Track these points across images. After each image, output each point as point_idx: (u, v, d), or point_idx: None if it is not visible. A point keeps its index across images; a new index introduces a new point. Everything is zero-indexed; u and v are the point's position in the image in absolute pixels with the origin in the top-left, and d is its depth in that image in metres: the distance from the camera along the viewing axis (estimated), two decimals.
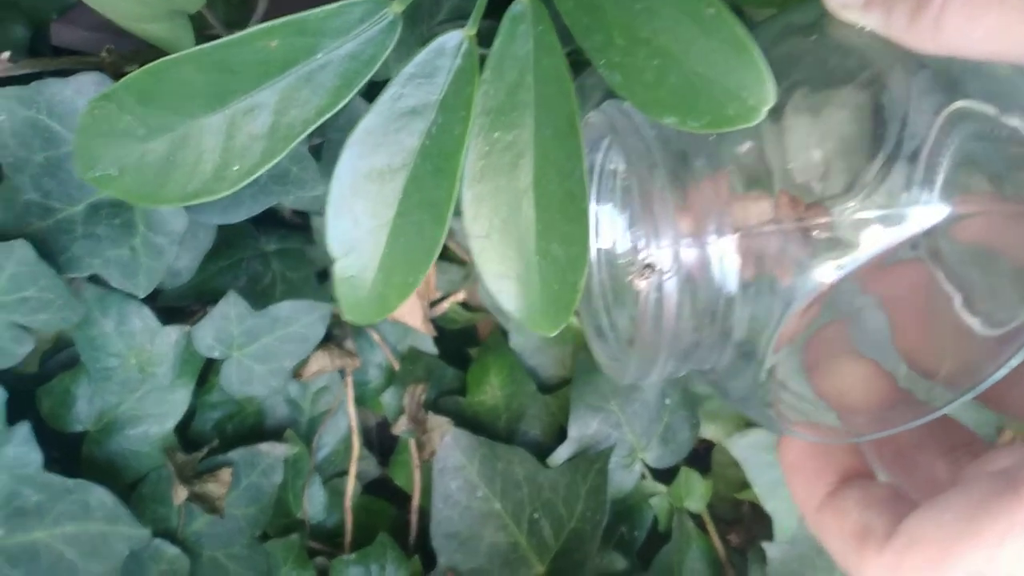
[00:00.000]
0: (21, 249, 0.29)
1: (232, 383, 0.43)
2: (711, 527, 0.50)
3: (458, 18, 0.38)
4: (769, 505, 0.46)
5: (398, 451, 0.53)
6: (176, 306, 0.45)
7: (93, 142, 0.22)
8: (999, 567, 0.15)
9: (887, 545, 0.17)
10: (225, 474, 0.44)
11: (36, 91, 0.29)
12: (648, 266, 0.18)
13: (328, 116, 0.22)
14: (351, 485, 0.51)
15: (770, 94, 0.17)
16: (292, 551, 0.47)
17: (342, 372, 0.52)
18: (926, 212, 0.18)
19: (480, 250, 0.22)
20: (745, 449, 0.47)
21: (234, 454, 0.45)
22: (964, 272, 0.20)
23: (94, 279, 0.36)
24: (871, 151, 0.19)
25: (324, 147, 0.37)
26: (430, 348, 0.53)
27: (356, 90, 0.22)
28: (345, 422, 0.52)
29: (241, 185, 0.22)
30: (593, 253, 0.24)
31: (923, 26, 0.15)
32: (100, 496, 0.37)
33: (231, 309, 0.40)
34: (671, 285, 0.18)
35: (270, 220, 0.50)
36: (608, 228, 0.24)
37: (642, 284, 0.19)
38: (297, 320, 0.42)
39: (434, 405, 0.52)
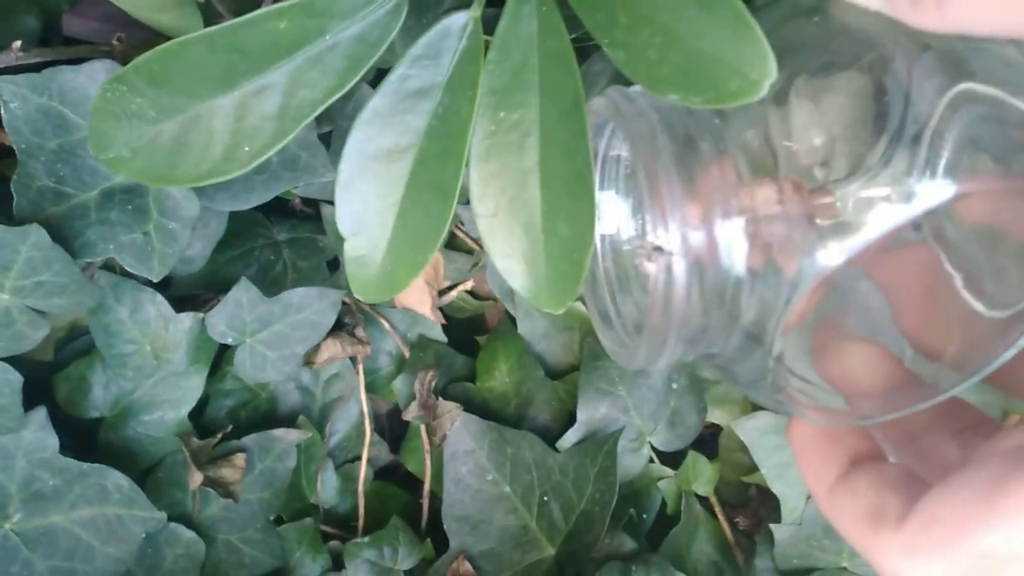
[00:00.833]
0: (36, 234, 0.29)
1: (245, 369, 0.43)
2: (719, 510, 0.50)
3: (464, 6, 0.39)
4: (776, 487, 0.46)
5: (409, 437, 0.54)
6: (189, 294, 0.46)
7: (106, 124, 0.22)
8: (1016, 544, 0.15)
9: (903, 525, 0.17)
10: (239, 459, 0.45)
11: (49, 79, 0.29)
12: (657, 249, 0.18)
13: (337, 97, 0.22)
14: (363, 470, 0.52)
15: (771, 68, 0.17)
16: (306, 535, 0.48)
17: (353, 360, 0.53)
18: (930, 191, 0.18)
19: (487, 229, 0.23)
20: (752, 432, 0.47)
21: (248, 440, 0.46)
22: (969, 253, 0.20)
23: (108, 267, 0.36)
24: (875, 133, 0.19)
25: (333, 135, 0.38)
26: (439, 336, 0.54)
27: (363, 71, 0.22)
28: (357, 409, 0.53)
29: (252, 166, 0.22)
30: (597, 240, 0.24)
31: (928, 3, 0.15)
32: (116, 480, 0.38)
33: (243, 296, 0.41)
34: (680, 268, 0.19)
35: (281, 210, 0.51)
36: (612, 215, 0.24)
37: (651, 267, 0.19)
38: (308, 307, 0.43)
39: (444, 392, 0.53)
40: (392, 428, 0.57)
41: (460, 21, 0.22)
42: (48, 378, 0.43)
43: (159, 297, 0.39)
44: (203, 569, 0.43)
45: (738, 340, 0.21)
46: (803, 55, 0.20)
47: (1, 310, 0.31)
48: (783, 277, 0.19)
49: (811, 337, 0.21)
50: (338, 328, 0.51)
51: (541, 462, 0.48)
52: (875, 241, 0.19)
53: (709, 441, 0.53)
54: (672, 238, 0.18)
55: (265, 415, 0.50)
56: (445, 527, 0.48)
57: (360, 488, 0.51)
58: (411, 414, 0.51)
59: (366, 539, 0.48)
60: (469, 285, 0.55)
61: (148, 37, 0.34)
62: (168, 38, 0.33)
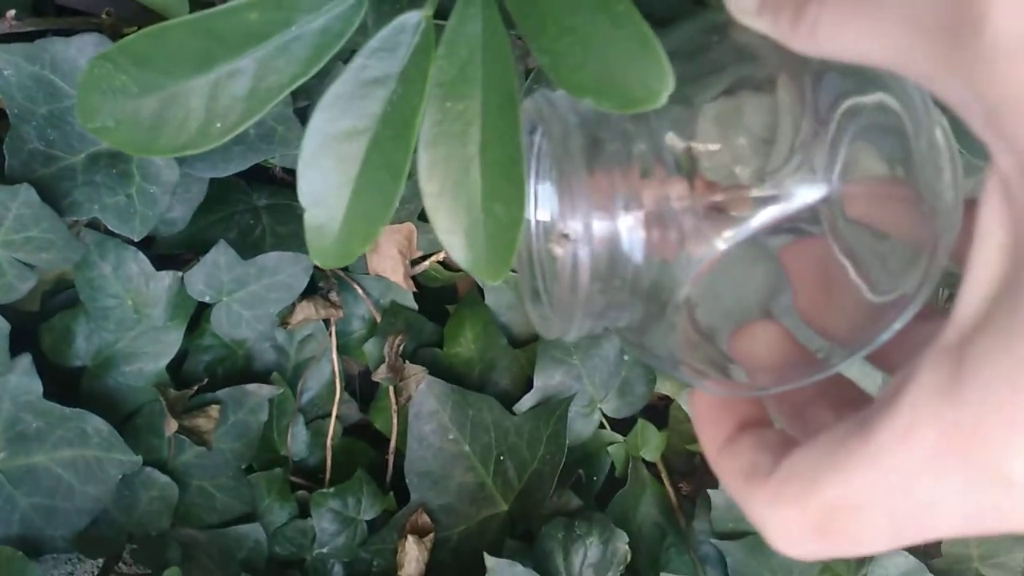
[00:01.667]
0: (25, 192, 0.31)
1: (222, 325, 0.46)
2: (665, 476, 0.53)
3: (419, 5, 0.41)
4: None
5: (378, 397, 0.56)
6: (171, 253, 0.48)
7: (93, 97, 0.25)
8: (854, 496, 0.18)
9: (768, 480, 0.20)
10: (214, 410, 0.48)
11: (41, 48, 0.32)
12: (564, 236, 0.21)
13: (301, 82, 0.24)
14: (332, 426, 0.55)
15: (669, 81, 0.20)
16: (275, 484, 0.51)
17: (327, 322, 0.55)
18: (812, 191, 0.21)
19: (433, 207, 0.25)
20: None
21: (222, 393, 0.49)
22: (858, 245, 0.22)
23: (93, 225, 0.39)
24: (776, 140, 0.22)
25: (309, 109, 0.40)
26: (410, 303, 0.56)
27: (325, 60, 0.24)
28: (329, 368, 0.56)
29: (223, 140, 0.25)
30: (533, 224, 0.27)
31: (802, 32, 0.18)
32: (96, 424, 0.41)
33: (221, 257, 0.43)
34: (584, 253, 0.21)
35: (262, 177, 0.53)
36: (546, 204, 0.27)
37: (559, 251, 0.22)
38: (282, 270, 0.45)
39: (413, 356, 0.56)
40: (363, 388, 0.59)
41: (414, 19, 0.24)
42: (34, 327, 0.46)
43: (141, 255, 0.42)
44: (176, 511, 0.46)
45: (640, 317, 0.23)
46: (709, 68, 0.23)
47: None
48: (677, 262, 0.22)
49: (718, 315, 0.24)
50: (313, 292, 0.54)
51: (499, 424, 0.51)
52: (759, 231, 0.22)
53: (661, 411, 0.56)
54: (577, 227, 0.21)
55: (241, 371, 0.53)
56: (407, 481, 0.51)
57: (329, 443, 0.54)
58: (380, 375, 0.54)
59: (331, 490, 0.51)
60: (441, 256, 0.58)
61: (135, 10, 0.36)
62: (153, 12, 0.35)
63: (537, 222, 0.27)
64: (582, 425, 0.51)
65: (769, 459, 0.21)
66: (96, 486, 0.42)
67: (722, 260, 0.22)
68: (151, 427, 0.46)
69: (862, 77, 0.21)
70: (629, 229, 0.22)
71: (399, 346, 0.54)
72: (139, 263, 0.42)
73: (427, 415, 0.51)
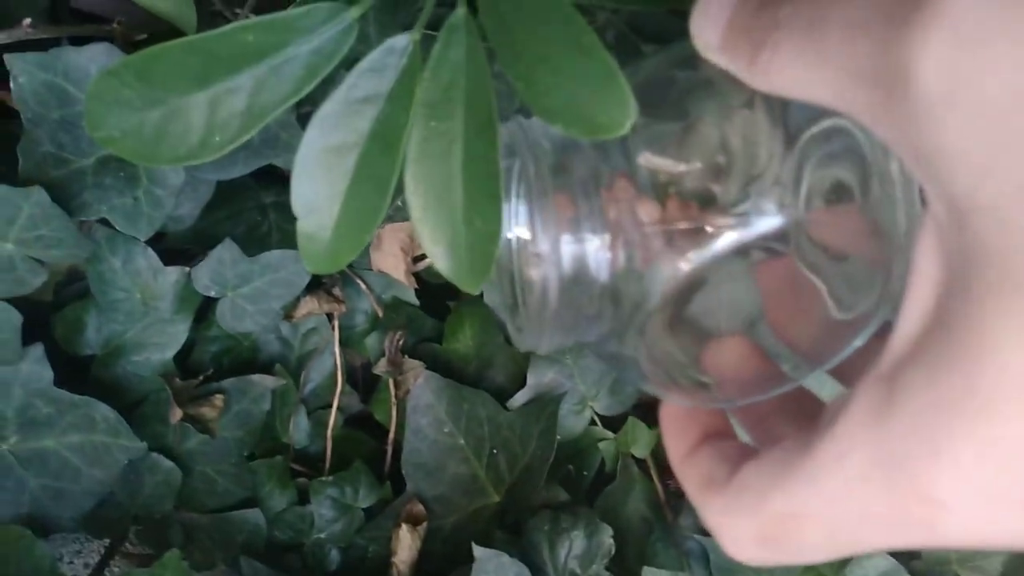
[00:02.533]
0: (37, 194, 0.33)
1: (226, 319, 0.48)
2: (654, 472, 0.55)
3: (440, 4, 0.42)
4: None
5: (379, 390, 0.58)
6: (179, 248, 0.50)
7: (100, 108, 0.26)
8: (799, 506, 0.19)
9: (724, 489, 0.21)
10: (218, 400, 0.49)
11: (54, 57, 0.33)
12: (536, 255, 0.23)
13: (295, 99, 0.26)
14: (333, 416, 0.56)
15: (632, 111, 0.21)
16: (276, 471, 0.53)
17: (330, 316, 0.57)
18: (775, 218, 0.22)
19: (419, 219, 0.27)
20: None
21: (227, 383, 0.50)
22: (821, 265, 0.24)
23: (103, 222, 0.41)
24: (737, 175, 0.23)
25: (312, 116, 0.41)
26: (412, 299, 0.58)
27: (319, 79, 0.26)
28: (331, 361, 0.57)
29: (223, 152, 0.26)
30: (513, 241, 0.28)
31: (758, 71, 0.19)
32: (104, 412, 0.42)
33: (226, 254, 0.45)
34: (552, 273, 0.23)
35: (270, 175, 0.54)
36: (523, 222, 0.28)
37: (531, 272, 0.23)
38: (285, 267, 0.47)
39: (413, 350, 0.57)
40: (364, 380, 0.61)
41: (403, 42, 0.26)
42: (47, 317, 0.48)
43: (150, 251, 0.44)
44: (179, 495, 0.48)
45: (609, 332, 0.25)
46: (688, 92, 0.24)
47: (5, 258, 0.35)
48: (642, 282, 0.23)
49: (687, 330, 0.25)
50: (317, 286, 0.56)
51: (493, 418, 0.52)
52: (727, 252, 0.23)
53: (652, 409, 0.58)
54: (546, 248, 0.22)
55: (246, 362, 0.55)
56: (403, 472, 0.53)
57: (329, 432, 0.56)
58: (380, 369, 0.56)
59: (330, 478, 0.53)
60: None
61: (146, 18, 0.38)
62: (166, 21, 0.37)
63: (516, 239, 0.28)
64: (573, 422, 0.53)
65: (726, 470, 0.22)
66: (102, 470, 0.44)
67: (690, 278, 0.23)
68: (157, 415, 0.48)
69: None
70: (595, 250, 0.23)
71: (399, 341, 0.56)
72: (147, 258, 0.44)
73: (424, 408, 0.53)
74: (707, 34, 0.20)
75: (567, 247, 0.23)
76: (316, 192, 0.27)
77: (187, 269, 0.45)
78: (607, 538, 0.47)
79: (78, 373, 0.48)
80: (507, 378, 0.56)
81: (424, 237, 0.27)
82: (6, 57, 0.33)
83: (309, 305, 0.55)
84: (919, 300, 0.17)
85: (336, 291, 0.57)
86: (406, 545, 0.50)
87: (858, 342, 0.23)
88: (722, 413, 0.26)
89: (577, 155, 0.23)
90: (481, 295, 0.58)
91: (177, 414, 0.46)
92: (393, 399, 0.57)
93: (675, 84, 0.24)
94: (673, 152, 0.23)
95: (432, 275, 0.60)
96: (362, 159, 0.26)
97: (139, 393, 0.48)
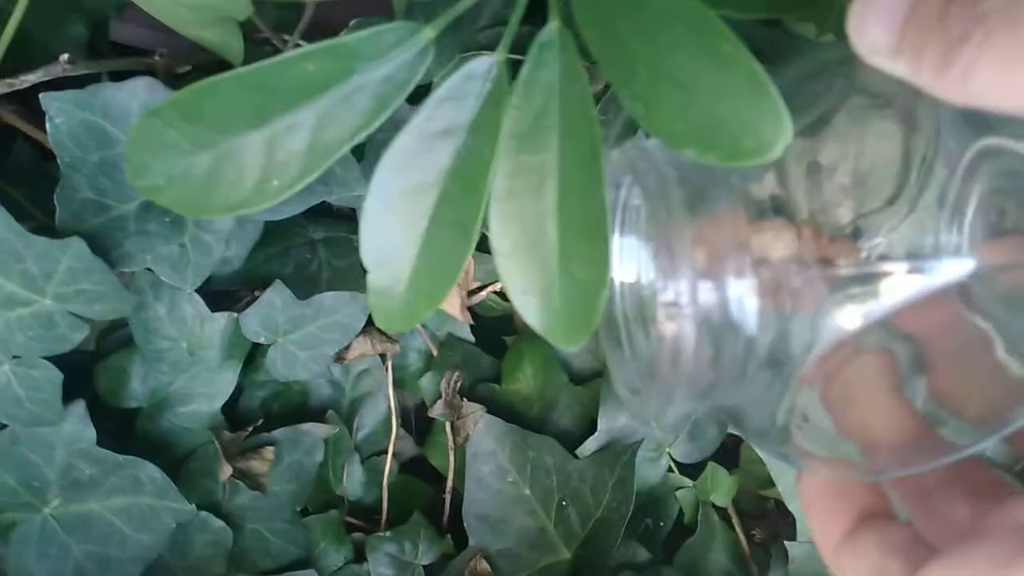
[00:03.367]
0: (76, 245, 0.30)
1: (277, 367, 0.45)
2: (736, 521, 0.50)
3: (499, 24, 0.39)
4: (792, 505, 0.46)
5: (434, 432, 0.55)
6: (226, 290, 0.47)
7: (142, 154, 0.23)
8: None
9: None
10: (268, 452, 0.46)
11: (92, 94, 0.31)
12: (669, 304, 0.19)
13: (364, 134, 0.23)
14: (388, 464, 0.53)
15: (786, 130, 0.17)
16: (331, 526, 0.49)
17: (383, 356, 0.54)
18: (952, 265, 0.18)
19: (505, 266, 0.23)
20: None
21: (278, 433, 0.47)
22: (995, 311, 0.20)
23: (148, 269, 0.38)
24: (896, 193, 0.19)
25: (367, 146, 0.38)
26: (467, 335, 0.55)
27: (391, 110, 0.22)
28: (385, 404, 0.54)
29: (281, 199, 0.23)
30: (617, 284, 0.24)
31: (952, 77, 0.15)
32: (150, 472, 0.40)
33: (277, 298, 0.42)
34: (689, 325, 0.19)
35: (318, 209, 0.51)
36: (632, 260, 0.24)
37: (667, 325, 0.19)
38: (339, 310, 0.44)
39: (470, 391, 0.54)
40: (419, 422, 0.58)
41: (484, 65, 0.22)
42: (90, 367, 0.45)
43: (196, 296, 0.41)
44: (230, 557, 0.45)
45: (749, 395, 0.21)
46: (828, 110, 0.20)
47: (44, 315, 0.33)
48: (798, 335, 0.19)
49: (831, 387, 0.21)
50: (368, 325, 0.52)
51: (561, 467, 0.49)
52: (897, 307, 0.19)
53: (731, 451, 0.53)
54: (682, 294, 0.19)
55: (296, 407, 0.52)
56: (465, 525, 0.49)
57: (385, 481, 0.53)
58: (436, 412, 0.53)
59: (388, 533, 0.49)
60: (498, 287, 0.56)
61: (191, 49, 0.35)
62: (211, 51, 0.34)
63: (621, 282, 0.25)
64: (649, 470, 0.49)
65: (900, 565, 0.18)
66: (150, 534, 0.41)
67: (860, 332, 0.19)
68: (206, 470, 0.45)
69: (992, 118, 0.19)
70: (740, 296, 0.19)
71: (456, 383, 0.53)
72: (194, 305, 0.41)
73: (485, 456, 0.49)
74: (875, 33, 0.16)
75: (706, 294, 0.19)
76: (389, 241, 0.23)
77: (235, 315, 0.42)
78: None
79: (123, 426, 0.45)
80: (573, 421, 0.52)
81: (512, 286, 0.23)
82: (41, 96, 0.31)
83: (362, 347, 0.52)
84: None
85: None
86: None
87: None
88: (878, 488, 0.22)
89: (710, 181, 0.20)
90: None
91: (227, 471, 0.43)
92: (451, 443, 0.53)
93: (812, 98, 0.20)
94: (822, 176, 0.19)
95: (487, 309, 0.57)
96: (441, 201, 0.23)
97: (186, 447, 0.45)
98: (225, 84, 0.22)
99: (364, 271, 0.46)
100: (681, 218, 0.19)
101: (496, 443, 0.49)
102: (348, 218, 0.52)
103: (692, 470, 0.51)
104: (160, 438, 0.45)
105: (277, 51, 0.36)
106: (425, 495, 0.54)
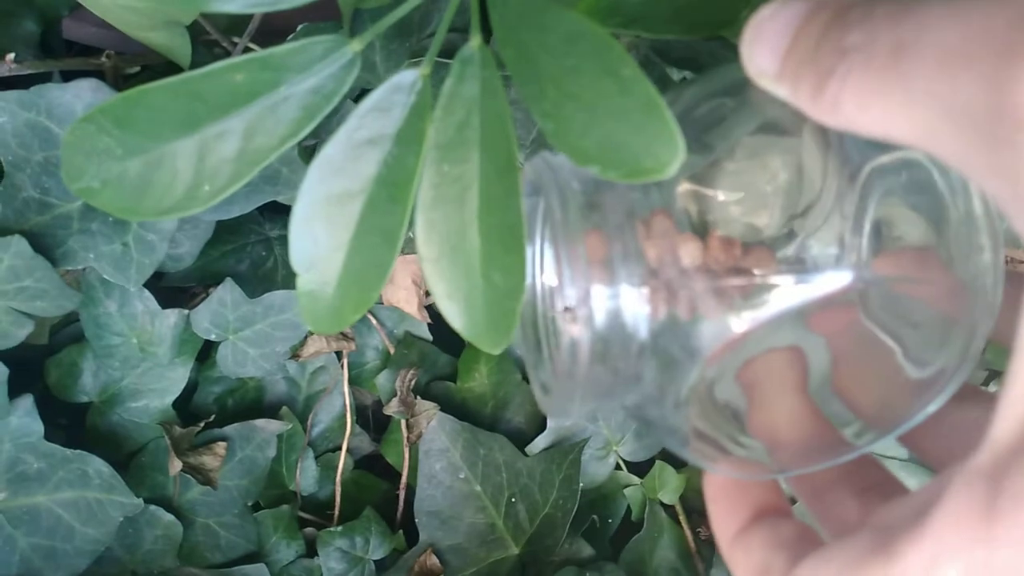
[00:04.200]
0: (18, 244, 0.31)
1: (228, 364, 0.45)
2: (683, 518, 0.51)
3: (449, 30, 0.40)
4: None
5: (390, 430, 0.55)
6: (180, 286, 0.48)
7: (77, 158, 0.24)
8: None
9: None
10: (220, 447, 0.47)
11: (37, 95, 0.31)
12: (566, 309, 0.20)
13: (292, 143, 0.23)
14: (343, 460, 0.53)
15: (680, 152, 0.18)
16: (282, 521, 0.50)
17: (339, 354, 0.54)
18: (832, 278, 0.19)
19: (431, 272, 0.24)
20: None
21: (230, 429, 0.48)
22: (890, 316, 0.21)
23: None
24: (790, 211, 0.20)
25: (317, 149, 0.39)
26: (425, 334, 0.55)
27: (317, 120, 0.23)
28: (340, 401, 0.55)
29: (211, 203, 0.24)
30: (539, 288, 0.25)
31: (823, 104, 0.16)
32: (97, 466, 0.40)
33: (227, 295, 0.43)
34: (583, 329, 0.20)
35: (274, 207, 0.52)
36: (551, 268, 0.25)
37: (568, 328, 0.20)
38: (289, 308, 0.44)
39: (426, 389, 0.55)
40: (375, 420, 0.58)
41: (410, 78, 0.23)
42: (42, 361, 0.45)
43: (146, 293, 0.41)
44: (180, 550, 0.45)
45: (647, 395, 0.22)
46: (724, 131, 0.21)
47: None
48: (688, 340, 0.20)
49: (734, 390, 0.22)
50: None
51: (511, 464, 0.49)
52: (781, 309, 0.20)
53: None
54: (577, 300, 0.20)
55: (251, 403, 0.52)
56: (416, 521, 0.50)
57: (338, 478, 0.53)
58: (392, 409, 0.53)
59: (339, 528, 0.50)
60: None
61: (142, 50, 0.36)
62: (160, 53, 0.34)
63: (542, 285, 0.26)
64: (597, 467, 0.50)
65: (783, 559, 0.19)
66: (97, 527, 0.41)
67: (744, 336, 0.20)
68: (156, 464, 0.45)
69: None
70: (633, 302, 0.20)
71: (411, 381, 0.53)
72: (144, 301, 0.41)
73: (438, 453, 0.50)
74: (762, 60, 0.18)
75: (600, 299, 0.20)
76: (317, 245, 0.24)
77: (186, 312, 0.43)
78: None
79: (74, 421, 0.46)
80: (526, 420, 0.53)
81: (437, 292, 0.24)
82: None
83: (317, 344, 0.53)
84: None
85: (345, 328, 0.54)
86: None
87: (933, 406, 0.20)
88: (776, 486, 0.23)
89: (611, 192, 0.20)
90: None
91: (176, 466, 0.43)
92: (405, 441, 0.54)
93: (719, 112, 0.21)
94: (719, 187, 0.20)
95: None
96: (367, 207, 0.24)
97: (138, 442, 0.46)
98: (156, 92, 0.22)
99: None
100: (578, 228, 0.20)
101: (448, 440, 0.50)
102: None
103: (641, 468, 0.52)
104: (111, 433, 0.45)
105: (227, 54, 0.37)
106: (380, 491, 0.55)
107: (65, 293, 0.33)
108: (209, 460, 0.46)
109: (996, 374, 0.37)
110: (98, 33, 0.40)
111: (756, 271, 0.20)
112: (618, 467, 0.51)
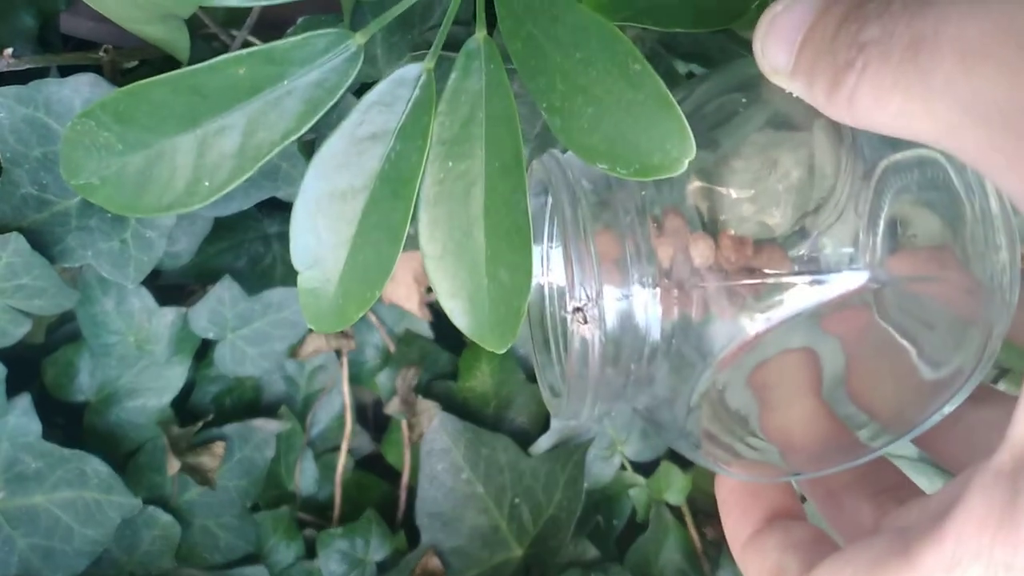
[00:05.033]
0: (16, 241, 0.30)
1: (226, 363, 0.45)
2: (689, 519, 0.51)
3: (453, 23, 0.39)
4: None
5: (391, 430, 0.55)
6: (177, 284, 0.47)
7: (76, 153, 0.23)
8: None
9: None
10: (218, 447, 0.46)
11: (35, 90, 0.31)
12: (577, 310, 0.19)
13: (295, 137, 0.23)
14: (343, 460, 0.53)
15: (691, 148, 0.18)
16: (282, 522, 0.49)
17: (338, 352, 0.54)
18: (848, 277, 0.19)
19: (434, 270, 0.23)
20: None
21: (228, 428, 0.47)
22: (905, 316, 0.20)
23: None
24: (802, 209, 0.20)
25: (316, 144, 0.38)
26: (426, 332, 0.55)
27: (320, 114, 0.23)
28: (340, 400, 0.54)
29: (211, 200, 0.23)
30: (546, 287, 0.25)
31: (839, 100, 0.16)
32: (95, 466, 0.39)
33: (225, 293, 0.42)
34: (594, 330, 0.19)
35: (272, 204, 0.52)
36: (559, 266, 0.25)
37: (579, 329, 0.20)
38: (289, 306, 0.44)
39: (427, 388, 0.54)
40: (376, 419, 0.58)
41: (414, 72, 0.22)
42: (39, 360, 0.45)
43: (144, 291, 0.41)
44: (178, 551, 0.45)
45: (659, 399, 0.21)
46: (736, 128, 0.21)
47: None
48: (701, 342, 0.20)
49: (747, 392, 0.22)
50: None
51: (514, 465, 0.49)
52: (796, 310, 0.20)
53: None
54: (588, 300, 0.19)
55: (250, 403, 0.52)
56: (417, 522, 0.49)
57: (338, 478, 0.53)
58: (392, 409, 0.53)
59: (339, 530, 0.49)
60: None
61: (140, 45, 0.35)
62: (158, 48, 0.34)
63: (550, 285, 0.25)
64: (601, 468, 0.49)
65: (798, 563, 0.19)
66: (95, 528, 0.41)
67: (757, 337, 0.20)
68: (154, 464, 0.45)
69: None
70: (645, 303, 0.20)
71: (412, 380, 0.53)
72: (141, 299, 0.41)
73: (439, 453, 0.50)
74: (776, 55, 0.17)
75: (611, 301, 0.19)
76: (319, 242, 0.24)
77: (184, 310, 0.42)
78: None
79: (71, 420, 0.45)
80: (529, 420, 0.52)
81: (440, 290, 0.24)
82: None
83: (316, 342, 0.52)
84: None
85: None
86: None
87: (949, 408, 0.20)
88: (789, 489, 0.23)
89: (621, 191, 0.20)
90: None
91: (174, 466, 0.43)
92: (406, 441, 0.53)
93: (730, 109, 0.21)
94: (730, 185, 0.20)
95: None
96: (370, 204, 0.23)
97: (135, 442, 0.45)
98: (157, 86, 0.22)
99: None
100: (589, 227, 0.19)
101: (450, 440, 0.50)
102: None
103: (646, 468, 0.51)
104: (109, 432, 0.45)
105: (225, 47, 0.36)
106: (380, 492, 0.55)
107: (63, 291, 0.33)
108: (207, 460, 0.46)
109: (1006, 371, 0.36)
110: (96, 28, 0.40)
111: (768, 271, 0.20)
112: (623, 467, 0.50)
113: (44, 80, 0.31)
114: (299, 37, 0.22)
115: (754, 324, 0.19)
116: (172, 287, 0.47)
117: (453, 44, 0.23)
